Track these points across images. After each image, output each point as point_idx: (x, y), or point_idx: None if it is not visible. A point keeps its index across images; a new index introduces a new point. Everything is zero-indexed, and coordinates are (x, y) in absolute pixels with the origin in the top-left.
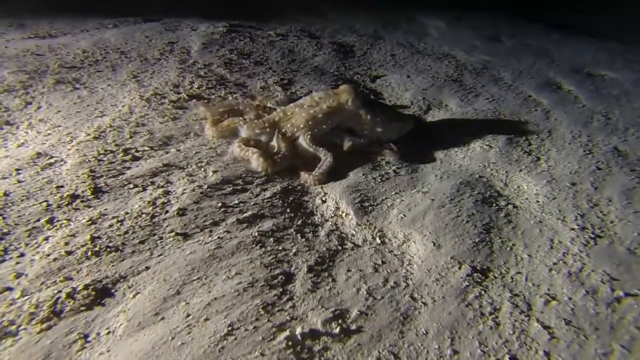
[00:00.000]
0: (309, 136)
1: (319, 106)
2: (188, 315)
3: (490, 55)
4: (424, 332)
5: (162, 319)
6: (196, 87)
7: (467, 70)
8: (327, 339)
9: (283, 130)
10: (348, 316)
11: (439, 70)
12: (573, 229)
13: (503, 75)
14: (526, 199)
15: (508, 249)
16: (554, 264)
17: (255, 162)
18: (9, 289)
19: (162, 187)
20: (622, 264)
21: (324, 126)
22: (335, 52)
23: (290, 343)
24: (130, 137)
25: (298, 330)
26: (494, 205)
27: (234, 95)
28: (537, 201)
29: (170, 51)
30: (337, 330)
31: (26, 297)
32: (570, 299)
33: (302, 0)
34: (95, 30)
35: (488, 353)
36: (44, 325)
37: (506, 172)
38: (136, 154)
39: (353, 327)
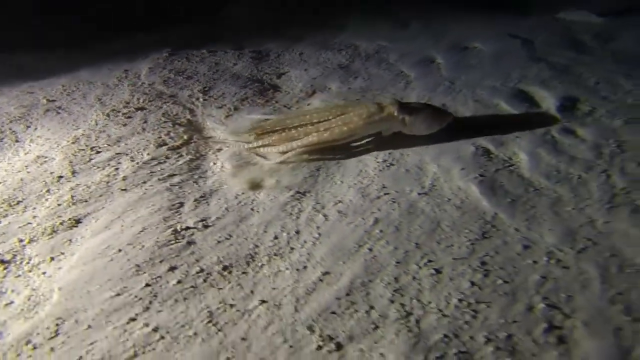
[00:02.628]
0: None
1: (372, 117)
2: (122, 225)
3: (389, 41)
4: (251, 224)
5: (110, 229)
6: (141, 101)
7: (359, 57)
8: (195, 230)
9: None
10: (209, 219)
11: (334, 60)
12: (378, 162)
13: (390, 57)
14: None
15: (330, 179)
16: (354, 184)
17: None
18: (29, 223)
19: (114, 166)
20: (396, 179)
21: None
22: (252, 59)
23: (174, 233)
24: (96, 140)
25: (179, 227)
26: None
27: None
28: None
29: (125, 77)
30: (201, 226)
31: (39, 225)
32: (350, 200)
33: (259, 23)
34: (72, 67)
35: (283, 231)
36: (49, 237)
37: None
38: (99, 149)
39: (210, 224)
